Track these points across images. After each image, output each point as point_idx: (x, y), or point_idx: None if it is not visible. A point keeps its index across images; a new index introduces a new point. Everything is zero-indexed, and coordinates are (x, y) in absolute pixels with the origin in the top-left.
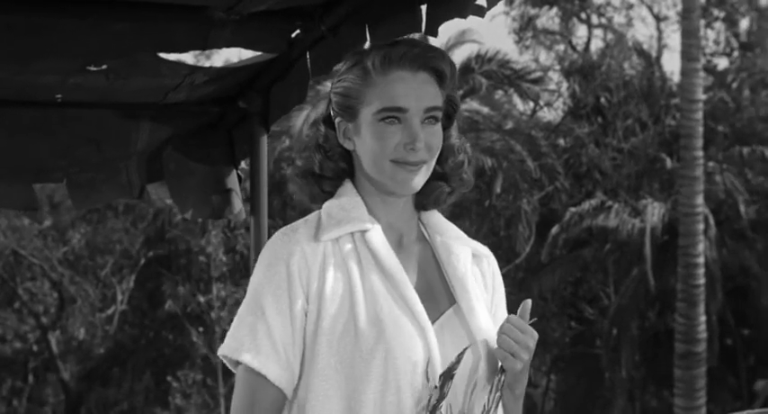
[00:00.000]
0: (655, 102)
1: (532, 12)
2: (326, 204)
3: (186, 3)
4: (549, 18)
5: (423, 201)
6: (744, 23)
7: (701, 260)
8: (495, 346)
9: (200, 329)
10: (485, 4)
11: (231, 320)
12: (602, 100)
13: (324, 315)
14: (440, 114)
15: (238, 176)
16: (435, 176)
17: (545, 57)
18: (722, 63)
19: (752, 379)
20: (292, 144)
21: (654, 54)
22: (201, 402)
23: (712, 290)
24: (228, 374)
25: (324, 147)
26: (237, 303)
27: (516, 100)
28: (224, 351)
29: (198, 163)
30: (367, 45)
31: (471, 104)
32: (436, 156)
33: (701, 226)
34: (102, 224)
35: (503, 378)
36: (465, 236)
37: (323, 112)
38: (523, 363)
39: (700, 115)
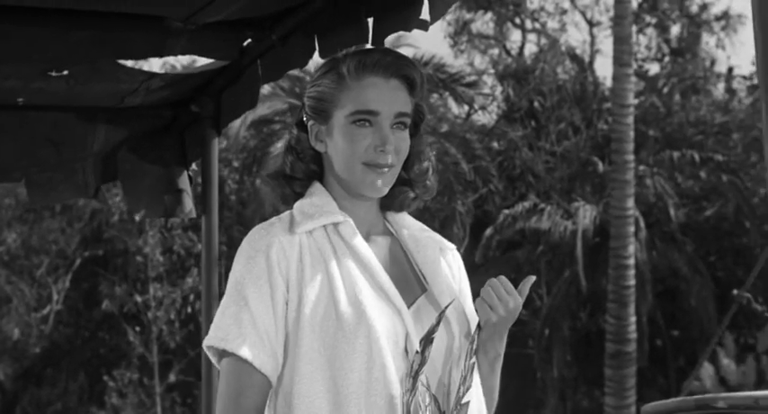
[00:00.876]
0: (587, 106)
1: (467, 16)
2: (298, 203)
3: (145, 13)
4: (483, 23)
5: (388, 204)
6: (675, 30)
7: (632, 262)
8: (467, 326)
9: (137, 329)
10: (428, 19)
11: (168, 320)
12: (536, 104)
13: (305, 301)
14: (408, 120)
15: (189, 177)
16: (400, 182)
17: (480, 61)
18: (654, 68)
19: (681, 379)
20: (229, 145)
21: (587, 59)
22: (138, 402)
23: (642, 291)
24: (164, 374)
25: (296, 149)
26: (174, 303)
27: (451, 103)
28: (210, 342)
29: (151, 164)
30: (343, 53)
31: None
32: (403, 160)
33: (632, 228)
34: (38, 224)
35: (476, 342)
36: (430, 230)
37: (297, 117)
38: (498, 317)
39: (631, 120)
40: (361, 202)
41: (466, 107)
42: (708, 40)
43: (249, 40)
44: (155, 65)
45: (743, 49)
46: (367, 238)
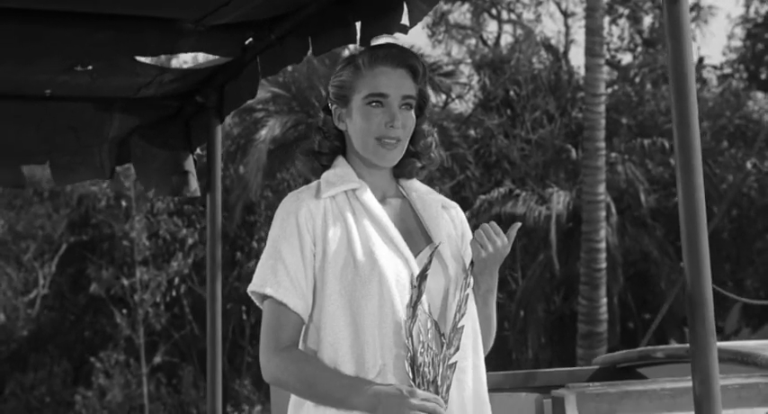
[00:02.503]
0: (561, 95)
1: (445, 7)
2: (324, 174)
3: (160, 16)
4: (461, 13)
5: (400, 172)
6: (647, 21)
7: (603, 245)
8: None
9: (124, 311)
10: (408, 24)
11: (153, 303)
12: (512, 93)
13: (328, 253)
14: (413, 102)
15: (194, 160)
16: (409, 154)
17: (457, 51)
18: (626, 58)
19: None
20: None
21: (561, 49)
22: (124, 382)
23: (614, 274)
24: (150, 355)
25: (322, 129)
26: (160, 286)
27: (429, 92)
28: (252, 287)
29: (159, 148)
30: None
31: None
32: (409, 135)
33: (603, 213)
34: (25, 210)
35: (469, 276)
36: (435, 192)
37: (323, 103)
38: (487, 254)
39: (602, 109)
40: (376, 170)
41: (443, 96)
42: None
43: (250, 39)
44: (167, 60)
45: (713, 39)
46: (382, 200)
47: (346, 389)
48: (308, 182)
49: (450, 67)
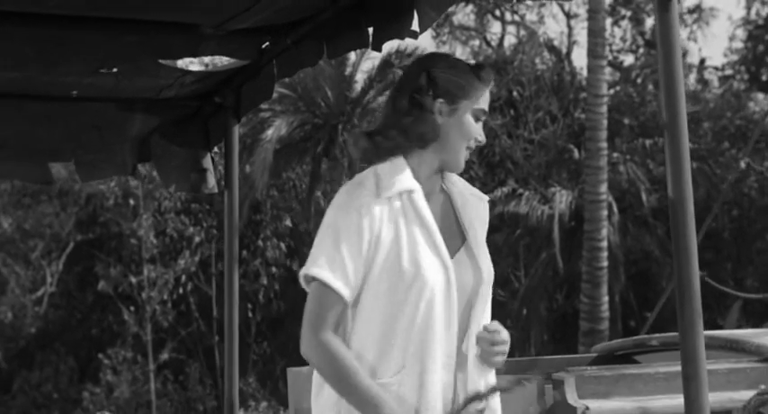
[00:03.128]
0: (564, 96)
1: (449, 9)
2: (379, 168)
3: (183, 21)
4: (464, 14)
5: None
6: (649, 22)
7: (605, 244)
8: (491, 272)
9: (132, 309)
10: (418, 30)
11: (161, 300)
12: (515, 94)
13: (379, 254)
14: None
15: (212, 158)
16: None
17: (460, 52)
18: (628, 59)
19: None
20: None
21: (564, 50)
22: (132, 379)
23: (615, 272)
24: (157, 351)
25: (412, 113)
26: (167, 284)
27: None
28: (306, 270)
29: (179, 147)
30: (479, 62)
31: None
32: None
33: (605, 212)
34: (33, 209)
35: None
36: (469, 185)
37: (415, 84)
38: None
39: (604, 109)
40: (436, 173)
41: None
42: (680, 33)
43: (267, 43)
44: (188, 63)
45: (714, 40)
46: (428, 196)
47: (369, 401)
48: (312, 182)
49: None
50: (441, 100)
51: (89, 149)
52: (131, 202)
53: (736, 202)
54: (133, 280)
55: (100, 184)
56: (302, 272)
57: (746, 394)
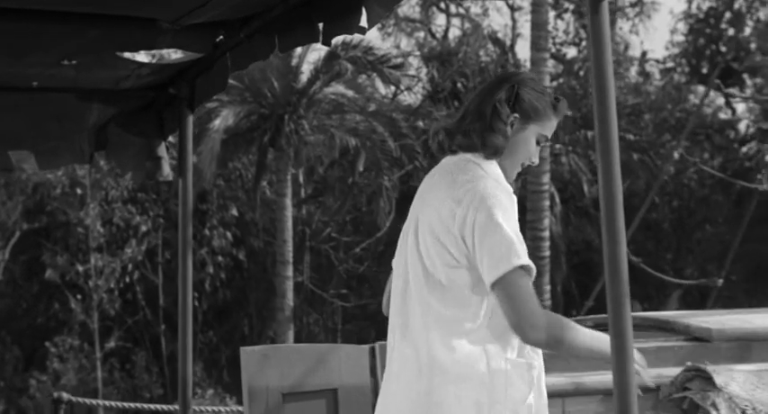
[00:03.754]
0: None
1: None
2: (493, 170)
3: (141, 16)
4: (410, 7)
5: None
6: None
7: (547, 234)
8: None
9: (79, 297)
10: (366, 26)
11: (108, 289)
12: (459, 85)
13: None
14: None
15: (166, 147)
16: None
17: (406, 43)
18: (571, 52)
19: None
20: None
21: (508, 42)
22: (78, 366)
23: (557, 262)
24: (104, 340)
25: (494, 123)
26: (114, 272)
27: (379, 84)
28: (520, 261)
29: (135, 136)
30: (559, 95)
31: (337, 88)
32: None
33: (548, 203)
34: None
35: None
36: None
37: (506, 94)
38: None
39: None
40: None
41: (392, 88)
42: (622, 26)
43: (221, 37)
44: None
45: (656, 34)
46: None
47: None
48: (258, 172)
49: (400, 60)
50: (516, 115)
51: (49, 138)
52: (78, 191)
53: (677, 193)
54: (80, 268)
55: (47, 173)
56: (519, 263)
57: (674, 371)
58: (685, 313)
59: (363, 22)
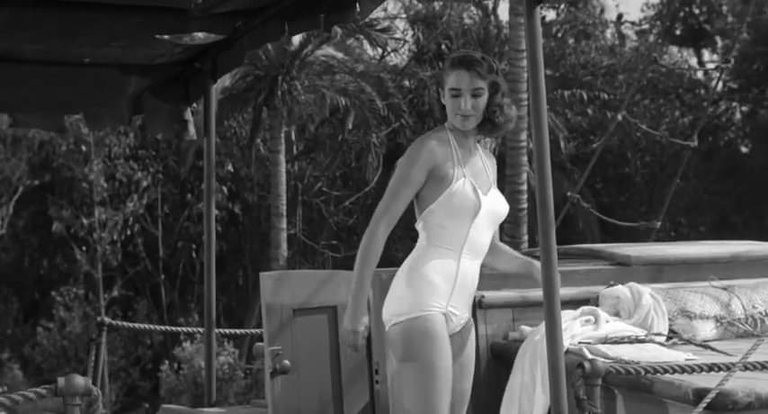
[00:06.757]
0: (490, 49)
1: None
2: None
3: (176, 6)
4: None
5: (480, 131)
6: None
7: (525, 188)
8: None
9: (83, 249)
10: (359, 17)
11: (111, 241)
12: (443, 47)
13: None
14: (482, 91)
15: (192, 112)
16: (484, 120)
17: (392, 7)
18: (550, 15)
19: None
20: None
21: (490, 5)
22: (83, 314)
23: (534, 213)
24: (107, 289)
25: (438, 101)
26: (116, 225)
27: (367, 46)
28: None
29: (165, 103)
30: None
31: (327, 51)
32: (480, 111)
33: (525, 158)
34: None
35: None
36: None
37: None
38: None
39: (524, 63)
40: (461, 132)
41: (380, 50)
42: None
43: (240, 23)
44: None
45: None
46: (468, 152)
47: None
48: (253, 130)
49: (387, 23)
50: (439, 88)
51: (95, 104)
52: (83, 148)
53: (648, 149)
54: (85, 222)
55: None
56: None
57: (600, 288)
58: (612, 245)
59: (357, 14)
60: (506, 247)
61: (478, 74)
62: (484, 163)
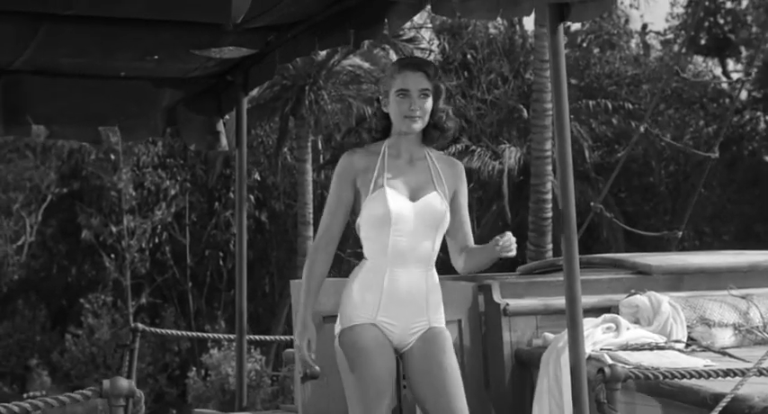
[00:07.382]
0: (515, 59)
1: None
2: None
3: (210, 22)
4: None
5: (426, 140)
6: None
7: (549, 197)
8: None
9: (112, 256)
10: (387, 33)
11: (139, 248)
12: (469, 56)
13: None
14: (429, 93)
15: (224, 123)
16: (430, 127)
17: (418, 17)
18: (574, 25)
19: None
20: None
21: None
22: (111, 321)
23: (559, 222)
24: (135, 296)
25: (376, 113)
26: (145, 233)
27: (393, 56)
28: None
29: (198, 114)
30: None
31: (354, 60)
32: (427, 114)
33: (550, 168)
34: (14, 163)
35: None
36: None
37: (375, 96)
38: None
39: (549, 73)
40: (405, 138)
41: None
42: (623, 0)
43: (272, 37)
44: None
45: (656, 6)
46: (410, 160)
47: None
48: (279, 139)
49: (413, 33)
50: (381, 97)
51: (130, 116)
52: (112, 157)
53: (673, 158)
54: (113, 229)
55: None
56: None
57: (621, 296)
58: (634, 255)
59: (385, 29)
60: (475, 247)
61: (426, 74)
62: (431, 169)
